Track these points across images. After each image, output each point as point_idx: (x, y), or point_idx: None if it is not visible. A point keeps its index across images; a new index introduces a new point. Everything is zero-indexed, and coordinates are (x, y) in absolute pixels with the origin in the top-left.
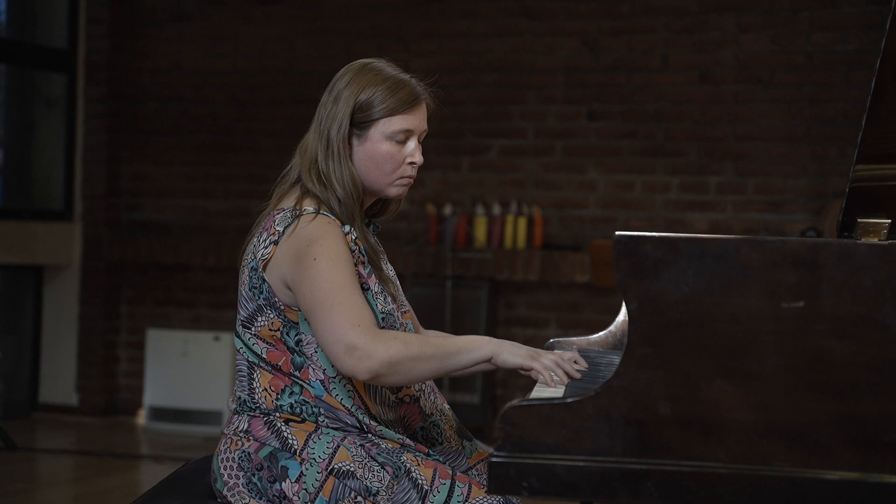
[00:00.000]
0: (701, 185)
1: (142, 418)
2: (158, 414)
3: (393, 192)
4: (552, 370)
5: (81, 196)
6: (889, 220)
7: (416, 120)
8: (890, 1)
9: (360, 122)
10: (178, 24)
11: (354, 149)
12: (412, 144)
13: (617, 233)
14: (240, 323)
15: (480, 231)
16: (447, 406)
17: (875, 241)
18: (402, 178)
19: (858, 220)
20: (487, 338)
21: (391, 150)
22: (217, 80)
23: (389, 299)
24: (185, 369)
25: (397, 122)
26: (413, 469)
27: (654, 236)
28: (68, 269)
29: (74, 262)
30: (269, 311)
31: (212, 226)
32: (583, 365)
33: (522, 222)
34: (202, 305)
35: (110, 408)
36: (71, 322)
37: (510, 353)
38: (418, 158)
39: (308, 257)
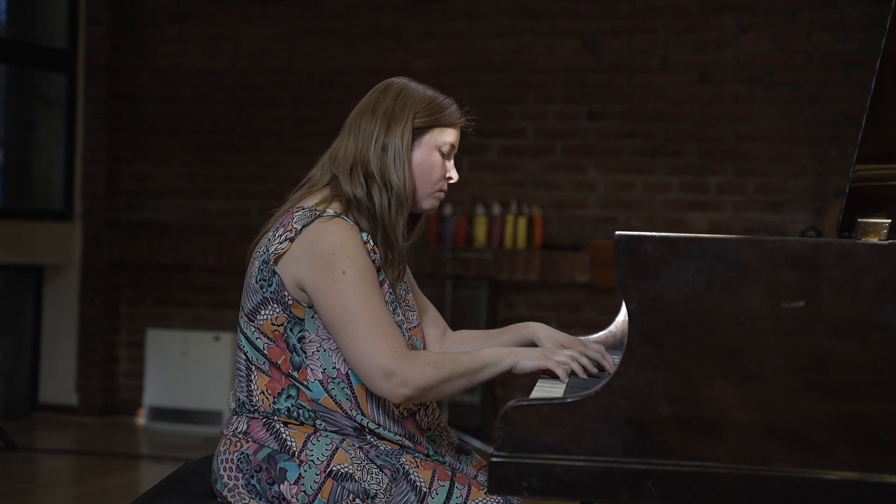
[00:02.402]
0: (701, 185)
1: (142, 418)
2: (158, 414)
3: (428, 204)
4: (566, 364)
5: (81, 196)
6: (889, 220)
7: (458, 137)
8: (890, 1)
9: (416, 127)
10: (178, 24)
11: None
12: (452, 161)
13: (617, 233)
14: (243, 315)
15: (480, 231)
16: (445, 422)
17: (875, 241)
18: (439, 191)
19: (858, 220)
20: (507, 349)
21: (438, 160)
22: (217, 80)
23: (399, 311)
24: (185, 369)
25: (448, 135)
26: (411, 471)
27: (654, 236)
28: (68, 269)
29: (74, 262)
30: (275, 305)
31: (212, 226)
32: (608, 361)
33: (522, 222)
34: (202, 305)
35: (110, 408)
36: (71, 322)
37: (526, 358)
38: (455, 175)
39: (335, 268)
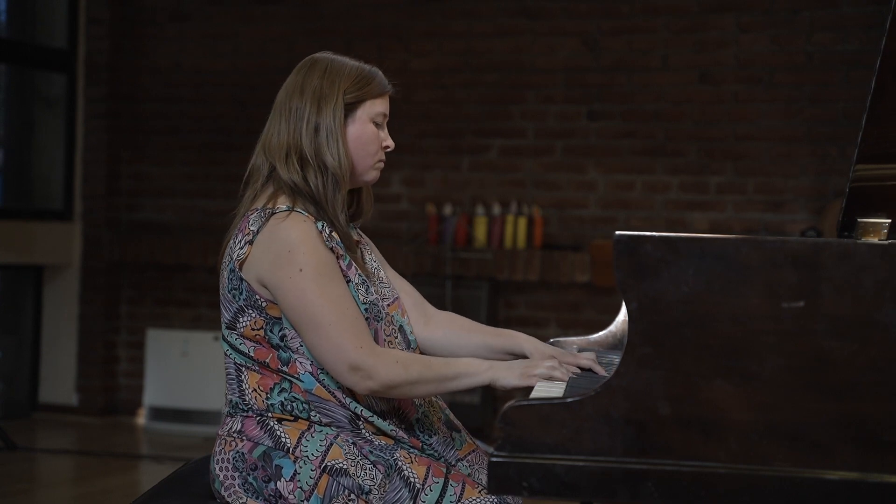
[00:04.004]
0: (701, 185)
1: (142, 418)
2: (158, 414)
3: (371, 175)
4: (546, 376)
5: (81, 196)
6: (889, 220)
7: (388, 105)
8: (890, 1)
9: (347, 102)
10: (178, 24)
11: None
12: (385, 130)
13: (617, 232)
14: (225, 325)
15: (480, 231)
16: (435, 398)
17: (875, 240)
18: (379, 161)
19: (858, 220)
20: (487, 363)
21: (374, 131)
22: (217, 80)
23: (372, 289)
24: (185, 369)
25: (379, 105)
26: (405, 467)
27: (654, 236)
28: (68, 269)
29: (74, 262)
30: (251, 311)
31: (212, 226)
32: (599, 371)
33: (522, 222)
34: (202, 305)
35: (110, 408)
36: (71, 322)
37: (507, 376)
38: (391, 143)
39: (292, 266)
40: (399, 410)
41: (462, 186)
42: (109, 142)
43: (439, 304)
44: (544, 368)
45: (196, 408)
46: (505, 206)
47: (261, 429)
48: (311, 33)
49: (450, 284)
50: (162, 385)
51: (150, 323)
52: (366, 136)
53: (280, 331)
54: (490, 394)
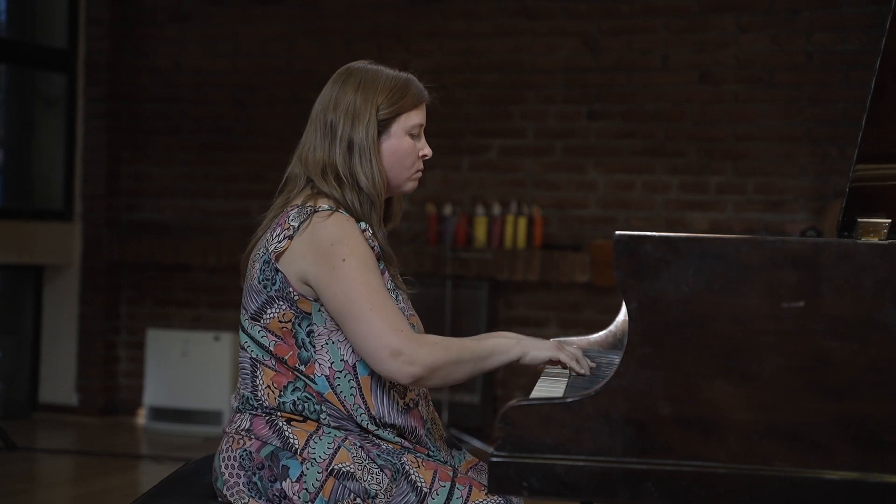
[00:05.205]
0: (701, 185)
1: (142, 418)
2: (158, 414)
3: (409, 186)
4: (578, 359)
5: (81, 196)
6: (889, 220)
7: (424, 114)
8: (890, 1)
9: (382, 118)
10: (178, 24)
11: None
12: (423, 138)
13: (617, 232)
14: (247, 317)
15: (480, 231)
16: (435, 414)
17: (875, 240)
18: (417, 171)
19: (858, 220)
20: (514, 339)
21: (410, 144)
22: (217, 80)
23: (401, 298)
24: (185, 369)
25: (414, 117)
26: (412, 471)
27: (654, 236)
28: (68, 269)
29: (74, 262)
30: (281, 302)
31: (212, 226)
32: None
33: (522, 222)
34: (202, 305)
35: (110, 408)
36: (71, 322)
37: (536, 349)
38: (429, 151)
39: (335, 257)
40: (414, 430)
41: (462, 186)
42: (109, 142)
43: (439, 304)
44: (573, 349)
45: (196, 408)
46: (505, 206)
47: (269, 428)
48: (311, 33)
49: (450, 284)
50: (162, 385)
51: (150, 323)
52: (402, 150)
53: (308, 326)
54: (490, 393)
